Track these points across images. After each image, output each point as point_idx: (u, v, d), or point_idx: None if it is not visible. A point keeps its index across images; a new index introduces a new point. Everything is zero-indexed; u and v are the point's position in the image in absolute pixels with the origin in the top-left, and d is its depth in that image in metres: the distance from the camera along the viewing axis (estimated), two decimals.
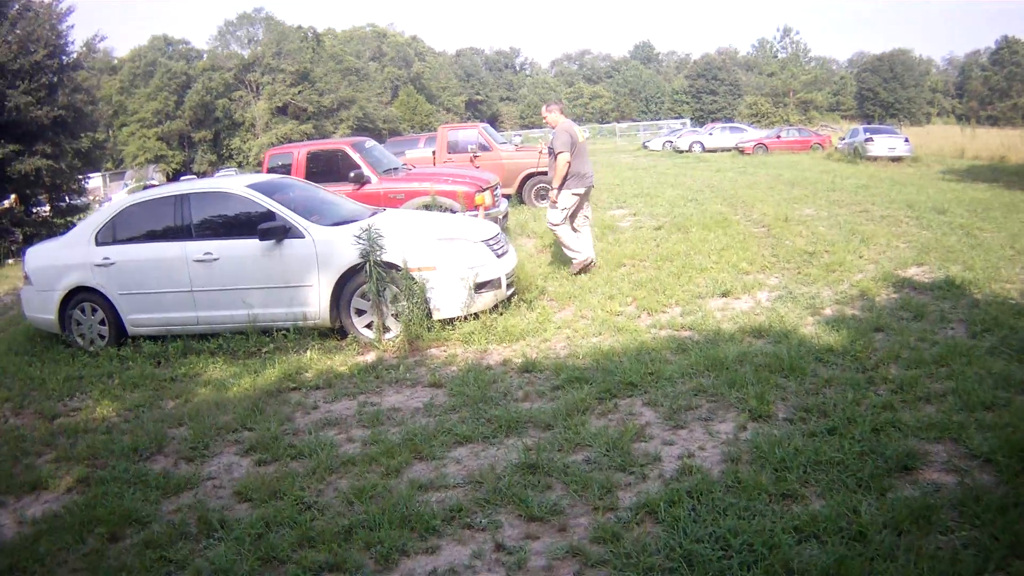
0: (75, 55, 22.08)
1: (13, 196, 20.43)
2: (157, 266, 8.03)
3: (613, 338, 6.74)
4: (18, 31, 19.43)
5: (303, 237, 7.64)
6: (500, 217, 12.12)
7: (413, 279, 7.16)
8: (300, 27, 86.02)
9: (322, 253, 7.52)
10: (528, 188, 17.03)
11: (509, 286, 7.94)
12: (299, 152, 12.57)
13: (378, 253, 7.13)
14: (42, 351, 8.48)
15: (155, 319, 8.14)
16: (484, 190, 11.71)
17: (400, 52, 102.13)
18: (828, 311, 7.08)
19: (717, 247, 10.25)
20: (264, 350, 7.53)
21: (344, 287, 7.52)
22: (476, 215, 11.41)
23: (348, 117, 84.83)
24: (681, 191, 18.10)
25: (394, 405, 5.80)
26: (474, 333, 7.13)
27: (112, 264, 8.13)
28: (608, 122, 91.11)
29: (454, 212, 11.36)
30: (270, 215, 7.78)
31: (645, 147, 49.24)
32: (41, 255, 8.89)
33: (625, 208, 15.80)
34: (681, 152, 41.17)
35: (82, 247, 8.35)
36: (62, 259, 8.51)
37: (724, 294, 7.94)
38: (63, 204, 22.42)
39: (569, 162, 9.04)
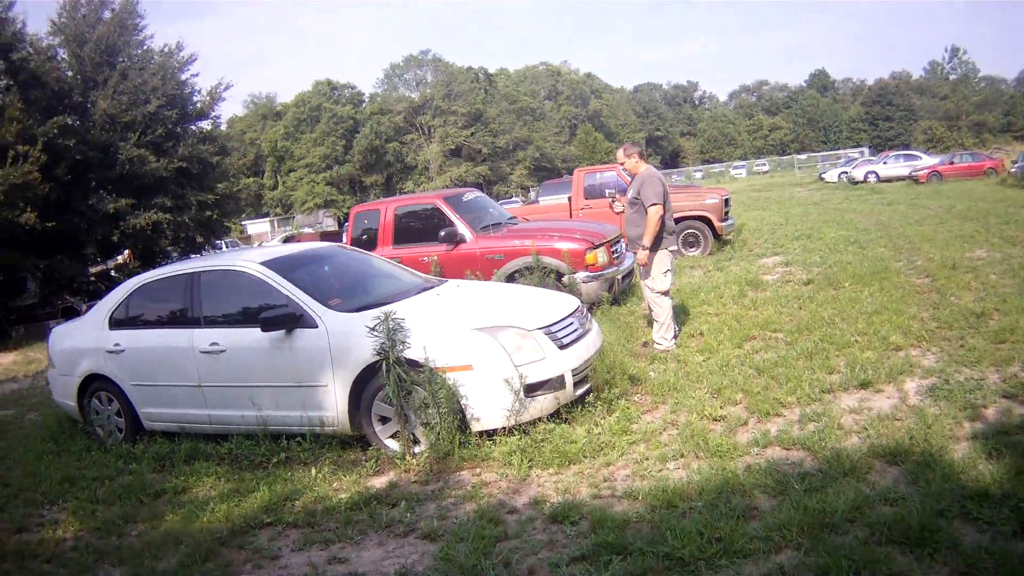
0: (199, 104, 22.72)
1: (127, 251, 21.07)
2: (165, 355, 7.55)
3: (696, 464, 5.31)
4: (128, 82, 20.03)
5: (316, 327, 6.72)
6: (621, 277, 10.86)
7: (442, 382, 6.00)
8: (470, 68, 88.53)
9: (337, 347, 6.56)
10: (678, 234, 15.60)
11: (580, 383, 6.61)
12: (386, 209, 11.86)
13: (399, 348, 6.07)
14: (66, 439, 8.30)
15: (167, 414, 7.71)
16: (598, 246, 10.46)
17: (575, 90, 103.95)
18: (992, 411, 5.48)
19: (869, 310, 8.73)
20: (273, 460, 6.77)
21: (364, 389, 6.50)
22: (588, 277, 10.22)
23: (525, 157, 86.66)
24: (845, 230, 17.24)
25: (362, 568, 4.72)
26: (520, 451, 5.87)
27: (123, 351, 7.77)
28: (788, 153, 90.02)
29: (560, 275, 10.22)
30: (281, 299, 6.95)
31: (821, 179, 51.17)
32: (63, 336, 8.72)
33: (779, 255, 14.74)
34: (856, 183, 42.13)
35: (96, 330, 8.10)
36: (79, 342, 8.29)
37: (863, 385, 6.38)
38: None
39: (662, 216, 8.00)
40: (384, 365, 6.08)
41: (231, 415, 7.23)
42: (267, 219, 75.63)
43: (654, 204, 7.98)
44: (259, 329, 6.77)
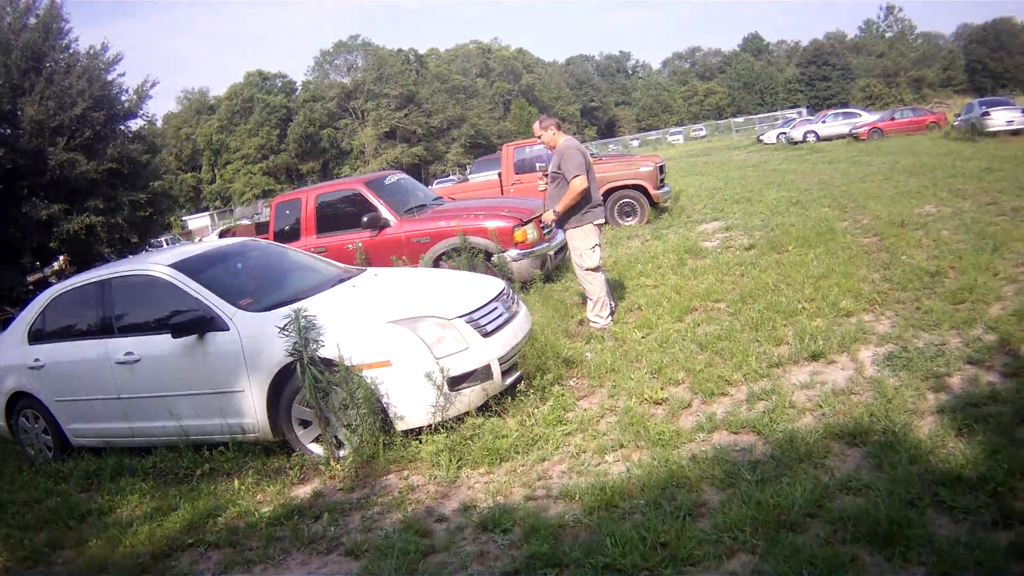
0: (127, 104, 21.66)
1: (62, 258, 20.08)
2: (83, 369, 6.93)
3: (637, 455, 4.79)
4: (55, 87, 19.00)
5: (227, 329, 6.10)
6: (554, 252, 10.31)
7: (359, 381, 5.39)
8: (400, 50, 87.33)
9: (249, 349, 5.93)
10: (611, 205, 15.17)
11: (509, 371, 6.05)
12: (307, 198, 11.13)
13: (312, 347, 5.45)
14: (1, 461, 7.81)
15: (91, 429, 7.12)
16: (526, 223, 9.87)
17: (507, 66, 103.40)
18: (957, 379, 4.98)
19: (816, 273, 8.18)
20: (197, 473, 6.20)
21: (282, 392, 5.89)
22: (518, 255, 9.65)
23: (460, 136, 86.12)
24: (787, 192, 16.67)
25: None
26: (449, 450, 5.31)
27: (43, 367, 7.16)
28: (725, 117, 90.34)
29: (489, 255, 9.63)
30: (191, 302, 6.31)
31: (760, 141, 50.45)
32: None
33: (719, 220, 14.14)
34: (795, 143, 41.67)
35: (17, 346, 7.49)
36: (2, 359, 7.63)
37: (814, 356, 5.84)
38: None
39: (586, 189, 7.49)
40: (298, 366, 5.48)
41: (153, 427, 6.65)
42: (206, 213, 73.80)
43: (576, 176, 7.42)
44: (171, 335, 6.17)
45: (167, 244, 47.71)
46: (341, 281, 6.87)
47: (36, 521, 6.05)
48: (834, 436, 4.44)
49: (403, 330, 5.62)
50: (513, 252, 9.76)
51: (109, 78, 21.16)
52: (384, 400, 5.53)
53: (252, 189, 78.15)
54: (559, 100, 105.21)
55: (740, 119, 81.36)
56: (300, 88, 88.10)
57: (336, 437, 5.70)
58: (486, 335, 5.87)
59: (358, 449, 5.49)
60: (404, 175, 12.28)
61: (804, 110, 73.36)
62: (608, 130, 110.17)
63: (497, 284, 6.72)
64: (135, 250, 22.10)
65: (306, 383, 5.45)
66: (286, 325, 5.45)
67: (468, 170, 34.11)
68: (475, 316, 5.94)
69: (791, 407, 5.00)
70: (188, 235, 59.91)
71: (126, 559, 5.01)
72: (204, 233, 61.28)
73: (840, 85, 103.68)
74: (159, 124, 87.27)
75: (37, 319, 7.40)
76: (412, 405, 5.55)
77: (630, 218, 15.13)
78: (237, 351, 5.97)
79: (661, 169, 15.41)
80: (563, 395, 6.00)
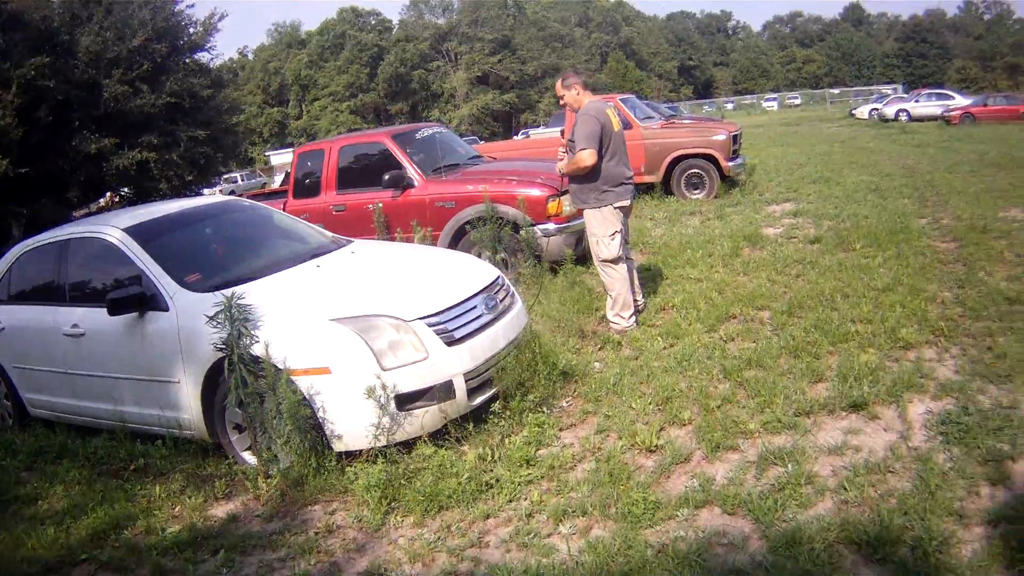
0: (193, 37, 21.09)
1: (108, 194, 19.78)
2: (36, 336, 6.38)
3: (597, 530, 3.81)
4: (114, 17, 18.51)
5: (166, 309, 5.32)
6: None
7: (287, 389, 4.50)
8: None
9: (186, 335, 5.13)
10: (678, 175, 13.96)
11: (480, 388, 5.08)
12: (331, 149, 10.18)
13: (245, 342, 4.60)
14: None
15: (44, 401, 6.58)
16: (563, 193, 8.77)
17: (606, 17, 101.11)
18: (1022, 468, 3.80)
19: (879, 284, 6.96)
20: (131, 467, 5.55)
21: (217, 389, 5.08)
22: (550, 230, 8.63)
23: (553, 85, 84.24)
24: (868, 175, 14.98)
25: None
26: (382, 485, 4.39)
27: (3, 330, 6.61)
28: (821, 87, 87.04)
29: (518, 227, 8.62)
30: (135, 274, 5.57)
31: (851, 115, 48.65)
32: None
33: (791, 201, 12.70)
34: (886, 121, 39.55)
35: None
36: None
37: (855, 406, 4.69)
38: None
39: (595, 163, 6.49)
40: (226, 363, 4.65)
41: (97, 408, 5.99)
42: (291, 149, 74.22)
43: (583, 148, 6.39)
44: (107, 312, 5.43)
45: (242, 180, 47.94)
46: (314, 255, 5.98)
47: None
48: (850, 541, 3.36)
49: (346, 331, 4.70)
50: (545, 226, 8.74)
51: (177, 8, 20.64)
52: (320, 414, 4.66)
53: (338, 127, 77.83)
54: (657, 56, 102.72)
55: (836, 91, 77.71)
56: (397, 27, 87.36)
57: (271, 448, 4.84)
58: (452, 343, 4.90)
59: (285, 471, 4.65)
60: (443, 128, 11.26)
61: (900, 87, 69.85)
62: (705, 90, 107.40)
63: (486, 275, 5.73)
64: (191, 188, 21.78)
65: (235, 384, 4.64)
66: (216, 314, 4.61)
67: (546, 124, 32.81)
68: (443, 318, 4.97)
69: (808, 482, 3.91)
70: (270, 171, 60.35)
71: (21, 565, 4.52)
72: (287, 169, 61.64)
73: (936, 64, 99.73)
74: (232, 58, 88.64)
75: (3, 277, 6.83)
76: (351, 423, 4.66)
77: (697, 191, 13.91)
78: (174, 336, 5.20)
79: (735, 139, 14.08)
80: (544, 423, 5.01)
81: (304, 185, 10.22)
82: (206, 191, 24.20)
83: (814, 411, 4.69)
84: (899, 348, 5.50)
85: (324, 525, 4.30)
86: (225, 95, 23.94)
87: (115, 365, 5.67)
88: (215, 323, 4.64)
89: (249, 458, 5.08)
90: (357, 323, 4.74)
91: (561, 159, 6.99)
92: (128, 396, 5.69)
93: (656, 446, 4.55)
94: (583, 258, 8.86)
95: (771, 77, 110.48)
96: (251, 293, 5.02)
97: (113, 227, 5.93)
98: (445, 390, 4.79)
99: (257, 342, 4.66)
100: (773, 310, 6.73)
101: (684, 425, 4.80)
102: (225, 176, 46.76)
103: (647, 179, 14.16)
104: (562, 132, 7.38)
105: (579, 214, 8.51)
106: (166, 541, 4.42)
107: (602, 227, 6.65)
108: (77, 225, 6.76)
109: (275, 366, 4.57)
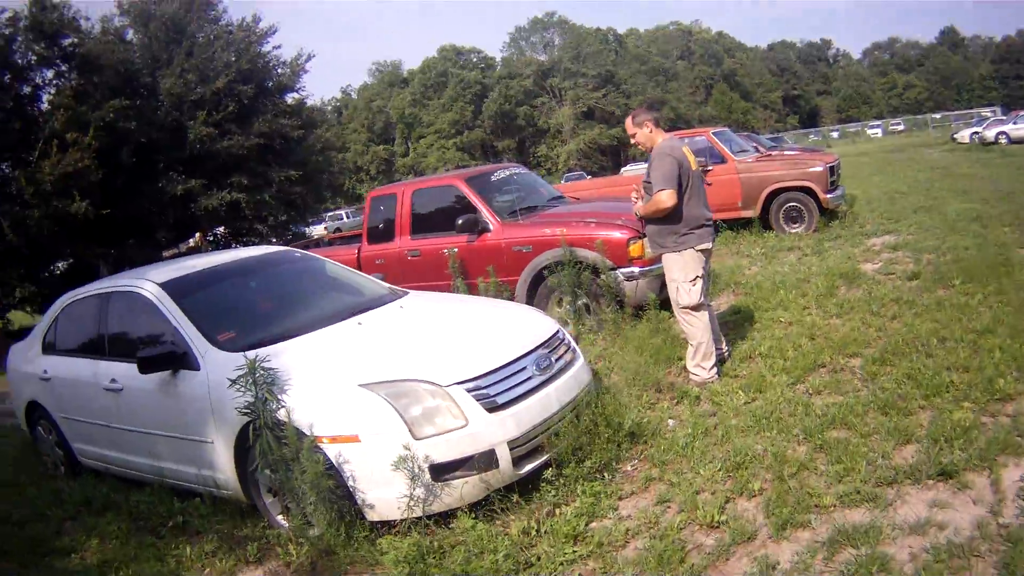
0: (280, 79, 21.55)
1: (198, 234, 20.27)
2: (78, 389, 6.39)
3: None
4: (195, 59, 18.99)
5: (198, 369, 5.14)
6: None
7: (310, 458, 4.22)
8: (599, 29, 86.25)
9: (216, 396, 4.91)
10: (775, 209, 13.37)
11: (529, 456, 4.69)
12: (403, 193, 9.97)
13: (272, 407, 4.35)
14: (26, 468, 7.52)
15: (92, 452, 6.57)
16: (644, 235, 8.35)
17: (708, 49, 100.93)
18: None
19: (978, 326, 6.29)
20: (169, 524, 5.42)
21: (249, 450, 4.81)
22: (632, 273, 8.22)
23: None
24: (970, 202, 14.10)
25: None
26: (411, 561, 4.05)
27: (50, 380, 6.66)
28: (923, 112, 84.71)
29: (597, 270, 8.25)
30: (168, 331, 5.45)
31: (953, 139, 46.93)
32: (15, 356, 7.63)
33: (891, 233, 12.02)
34: (988, 144, 38.05)
35: (34, 354, 7.06)
36: (22, 364, 7.28)
37: (944, 473, 4.12)
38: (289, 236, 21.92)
39: (675, 204, 6.10)
40: (252, 428, 4.43)
41: (139, 463, 5.93)
42: None
43: (661, 189, 6.01)
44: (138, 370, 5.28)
45: (347, 217, 48.71)
46: (359, 312, 5.71)
47: (11, 547, 5.66)
48: None
49: (375, 398, 4.39)
50: (626, 270, 8.33)
51: (263, 50, 21.09)
52: (351, 483, 4.36)
53: (446, 164, 78.93)
54: (760, 87, 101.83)
55: (937, 115, 76.04)
56: (500, 64, 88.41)
57: (304, 514, 4.56)
58: (495, 408, 4.52)
59: (315, 539, 4.36)
60: (521, 169, 10.94)
61: (999, 108, 67.50)
62: (810, 120, 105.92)
63: (541, 332, 5.33)
64: (284, 227, 22.13)
65: (258, 451, 4.39)
66: (240, 377, 4.37)
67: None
68: (484, 382, 4.59)
69: (882, 569, 3.39)
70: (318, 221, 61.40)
71: None
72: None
73: None
74: (353, 96, 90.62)
75: (50, 328, 6.93)
76: (383, 493, 4.35)
77: (796, 224, 13.29)
78: (205, 396, 5.00)
79: (832, 170, 13.39)
80: (601, 492, 4.60)
81: (378, 230, 10.06)
82: (312, 228, 24.64)
83: (898, 480, 4.15)
84: (995, 401, 4.90)
85: None
86: (318, 135, 24.40)
87: (152, 422, 5.56)
88: (239, 386, 4.40)
89: (283, 522, 4.82)
90: (388, 388, 4.43)
91: (635, 201, 6.62)
92: (166, 453, 5.55)
93: (719, 522, 4.08)
94: (667, 303, 8.40)
95: (873, 104, 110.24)
96: (283, 353, 4.82)
97: (150, 281, 5.83)
98: (487, 459, 4.42)
99: (284, 406, 4.41)
100: (865, 357, 6.14)
101: (754, 496, 4.31)
102: (331, 213, 47.66)
103: (744, 214, 13.69)
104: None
105: (659, 259, 8.10)
106: None
107: (683, 272, 6.23)
108: (119, 278, 6.68)
109: (300, 432, 4.31)
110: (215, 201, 18.76)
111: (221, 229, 22.21)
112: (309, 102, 25.18)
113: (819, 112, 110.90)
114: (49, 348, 6.83)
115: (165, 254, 19.72)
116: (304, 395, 4.48)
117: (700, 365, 6.33)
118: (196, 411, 5.09)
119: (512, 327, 5.41)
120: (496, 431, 4.45)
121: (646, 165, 6.55)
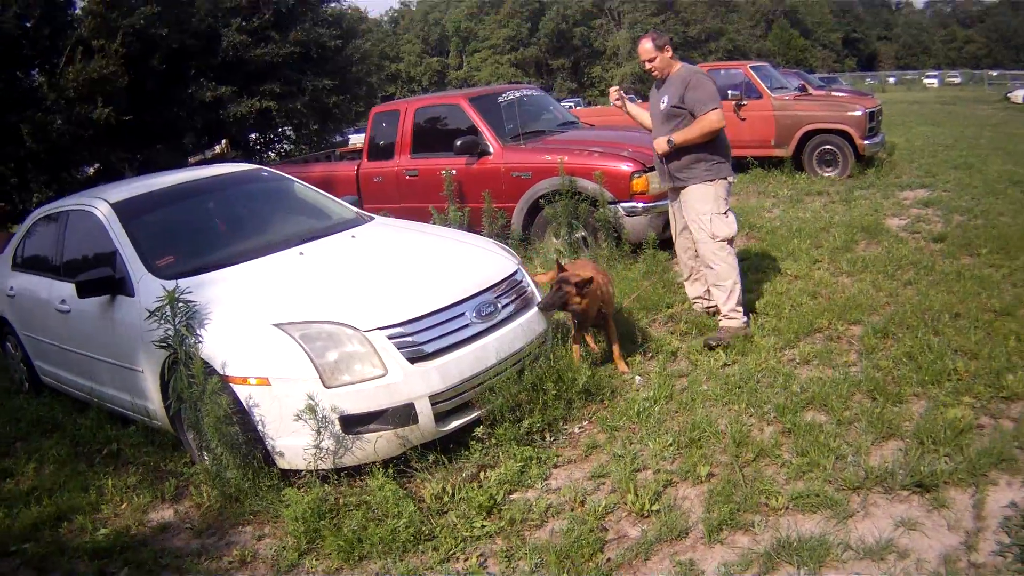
0: None
1: (224, 141, 20.00)
2: (36, 307, 6.21)
3: None
4: None
5: (132, 295, 4.88)
6: None
7: (213, 400, 3.91)
8: None
9: (147, 325, 4.55)
10: (809, 150, 12.72)
11: (456, 412, 4.32)
12: (406, 110, 9.51)
13: (191, 341, 4.03)
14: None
15: (49, 371, 6.43)
16: (650, 169, 7.80)
17: None
18: None
19: (997, 305, 5.71)
20: (104, 452, 5.24)
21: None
22: (633, 209, 7.76)
23: (717, 49, 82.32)
24: (1014, 165, 13.06)
25: None
26: (307, 518, 3.75)
27: (14, 296, 6.53)
28: (981, 68, 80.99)
29: (594, 203, 7.84)
30: (110, 254, 5.18)
31: (1007, 98, 44.34)
32: None
33: (926, 188, 11.28)
34: None
35: (6, 268, 6.85)
36: None
37: (921, 486, 3.59)
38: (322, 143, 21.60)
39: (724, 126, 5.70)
40: (166, 363, 4.17)
41: (85, 385, 5.75)
42: None
43: (714, 108, 5.52)
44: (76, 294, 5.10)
45: None
46: (304, 242, 5.29)
47: None
48: None
49: (287, 339, 4.06)
50: (627, 204, 7.86)
51: None
52: (261, 428, 4.04)
53: (499, 79, 77.81)
54: (821, 26, 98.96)
55: (995, 72, 72.56)
56: None
57: (215, 456, 4.27)
58: (420, 358, 4.15)
59: (225, 484, 4.13)
60: (535, 90, 10.35)
61: None
62: (868, 63, 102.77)
63: (493, 274, 4.90)
64: (313, 137, 21.84)
65: (173, 386, 4.10)
66: (157, 308, 4.04)
67: None
68: (411, 328, 4.21)
69: None
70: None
71: None
72: None
73: None
74: (412, 7, 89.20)
75: (20, 244, 6.76)
76: (292, 441, 4.04)
77: (830, 168, 12.63)
78: (137, 323, 4.70)
79: (872, 116, 12.60)
80: (532, 457, 4.23)
81: (379, 147, 9.65)
82: (352, 138, 24.23)
83: (867, 485, 3.66)
84: (1000, 399, 4.36)
85: (241, 554, 3.78)
86: (356, 46, 23.80)
87: (93, 346, 5.35)
88: (155, 318, 4.08)
89: (206, 458, 4.55)
90: (303, 330, 4.09)
91: (620, 107, 6.33)
92: (106, 378, 5.35)
93: (650, 511, 3.67)
94: (666, 243, 7.88)
95: (932, 54, 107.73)
96: (215, 283, 4.55)
97: (103, 201, 5.57)
98: (404, 414, 4.07)
99: (204, 342, 4.08)
100: (866, 326, 5.64)
101: (699, 483, 3.89)
102: None
103: (777, 153, 13.07)
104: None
105: (664, 195, 7.56)
106: (92, 544, 4.08)
107: (715, 203, 5.68)
108: (81, 196, 6.39)
109: (210, 371, 4.00)
110: (244, 108, 18.45)
111: (253, 135, 21.96)
112: (351, 9, 24.53)
113: (878, 56, 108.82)
114: (16, 264, 6.67)
115: (191, 160, 19.54)
116: (219, 331, 4.19)
117: (734, 310, 5.76)
118: (129, 339, 4.85)
119: (461, 267, 4.98)
120: (417, 383, 4.09)
121: (659, 92, 5.96)
